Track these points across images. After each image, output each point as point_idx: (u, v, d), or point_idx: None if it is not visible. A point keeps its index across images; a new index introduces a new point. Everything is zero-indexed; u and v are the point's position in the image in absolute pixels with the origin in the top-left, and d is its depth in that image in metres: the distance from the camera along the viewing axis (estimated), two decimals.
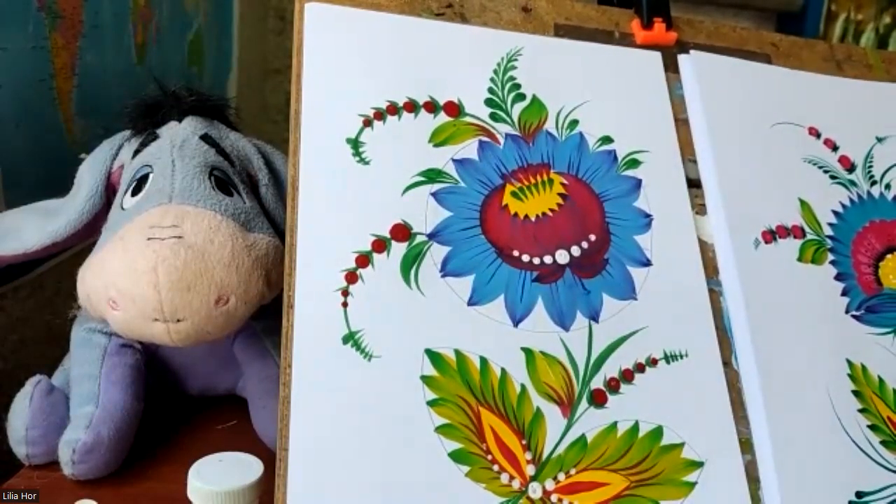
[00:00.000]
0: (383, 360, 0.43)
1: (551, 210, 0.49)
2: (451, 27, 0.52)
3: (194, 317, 0.49)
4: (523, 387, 0.44)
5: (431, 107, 0.49)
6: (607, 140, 0.52)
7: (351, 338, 0.43)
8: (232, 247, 0.51)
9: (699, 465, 0.45)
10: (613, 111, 0.53)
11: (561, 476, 0.43)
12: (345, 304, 0.43)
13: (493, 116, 0.51)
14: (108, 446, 0.50)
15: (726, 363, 0.48)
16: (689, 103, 0.55)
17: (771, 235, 0.52)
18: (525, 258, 0.47)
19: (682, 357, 0.48)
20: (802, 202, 0.54)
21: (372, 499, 0.40)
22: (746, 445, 0.47)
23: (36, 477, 0.51)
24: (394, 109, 0.48)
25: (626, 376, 0.46)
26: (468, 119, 0.50)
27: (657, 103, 0.54)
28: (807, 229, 0.54)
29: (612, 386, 0.46)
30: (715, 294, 0.50)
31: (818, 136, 0.57)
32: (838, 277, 0.53)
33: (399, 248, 0.45)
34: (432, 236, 0.46)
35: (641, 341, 0.47)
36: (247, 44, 1.14)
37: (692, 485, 0.45)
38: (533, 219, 0.49)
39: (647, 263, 0.50)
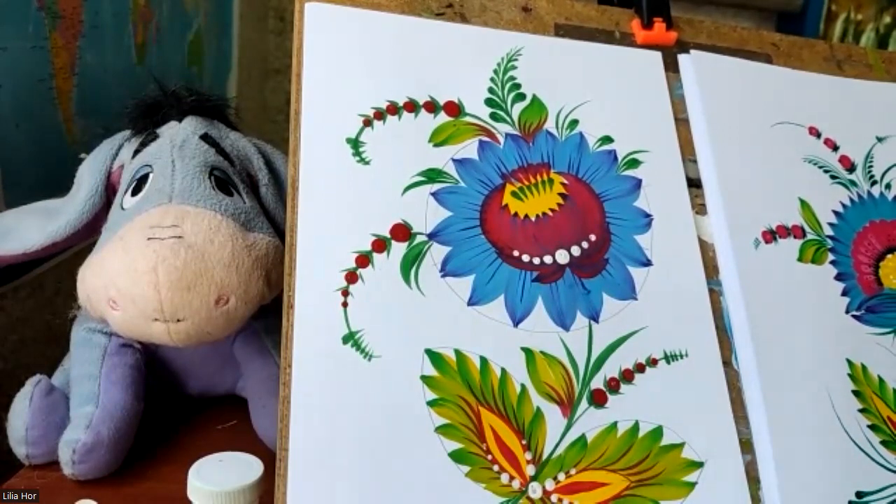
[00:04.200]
0: (383, 360, 0.43)
1: (551, 210, 0.49)
2: (451, 27, 0.52)
3: (194, 317, 0.49)
4: (523, 387, 0.44)
5: (431, 107, 0.49)
6: (607, 140, 0.52)
7: (351, 338, 0.43)
8: (232, 247, 0.51)
9: (699, 465, 0.45)
10: (613, 111, 0.53)
11: (561, 476, 0.43)
12: (345, 304, 0.43)
13: (493, 116, 0.51)
14: (108, 446, 0.50)
15: (726, 363, 0.48)
16: (689, 103, 0.55)
17: (771, 235, 0.52)
18: (525, 258, 0.47)
19: (682, 357, 0.48)
20: (802, 202, 0.54)
21: (372, 499, 0.40)
22: (746, 445, 0.47)
23: (36, 477, 0.51)
24: (394, 109, 0.48)
25: (627, 376, 0.46)
26: (468, 119, 0.50)
27: (657, 103, 0.54)
28: (807, 229, 0.54)
29: (612, 386, 0.46)
30: (715, 294, 0.50)
31: (818, 135, 0.57)
32: (838, 277, 0.53)
33: (399, 248, 0.45)
34: (432, 236, 0.46)
35: (641, 341, 0.47)
36: (247, 44, 1.14)
37: (692, 485, 0.45)
38: (533, 219, 0.49)
39: (647, 263, 0.50)
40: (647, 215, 0.51)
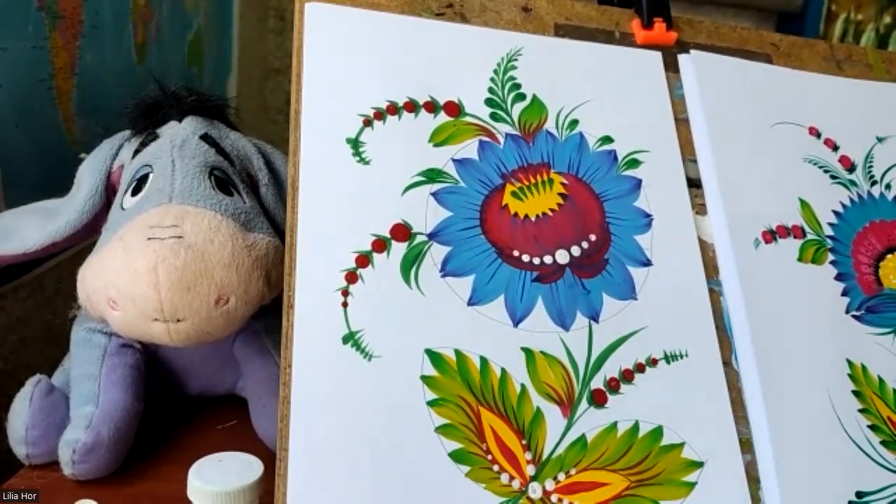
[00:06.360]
0: (383, 360, 0.43)
1: (551, 210, 0.49)
2: (451, 27, 0.52)
3: (194, 317, 0.49)
4: (523, 387, 0.44)
5: (431, 107, 0.49)
6: (607, 140, 0.52)
7: (351, 338, 0.43)
8: (232, 247, 0.51)
9: (699, 465, 0.45)
10: (613, 111, 0.53)
11: (561, 476, 0.43)
12: (345, 304, 0.43)
13: (493, 116, 0.51)
14: (108, 446, 0.50)
15: (726, 363, 0.48)
16: (689, 103, 0.55)
17: (771, 235, 0.52)
18: (525, 258, 0.47)
19: (682, 357, 0.48)
20: (802, 202, 0.54)
21: (372, 499, 0.40)
22: (746, 445, 0.47)
23: (36, 477, 0.51)
24: (394, 109, 0.48)
25: (626, 376, 0.46)
26: (468, 119, 0.50)
27: (657, 103, 0.54)
28: (807, 229, 0.54)
29: (612, 386, 0.46)
30: (715, 294, 0.50)
31: (818, 135, 0.57)
32: (838, 277, 0.53)
33: (399, 248, 0.45)
34: (432, 236, 0.46)
35: (641, 341, 0.47)
36: (247, 44, 1.14)
37: (692, 485, 0.45)
38: (533, 219, 0.49)
39: (647, 263, 0.50)
40: (647, 215, 0.51)
